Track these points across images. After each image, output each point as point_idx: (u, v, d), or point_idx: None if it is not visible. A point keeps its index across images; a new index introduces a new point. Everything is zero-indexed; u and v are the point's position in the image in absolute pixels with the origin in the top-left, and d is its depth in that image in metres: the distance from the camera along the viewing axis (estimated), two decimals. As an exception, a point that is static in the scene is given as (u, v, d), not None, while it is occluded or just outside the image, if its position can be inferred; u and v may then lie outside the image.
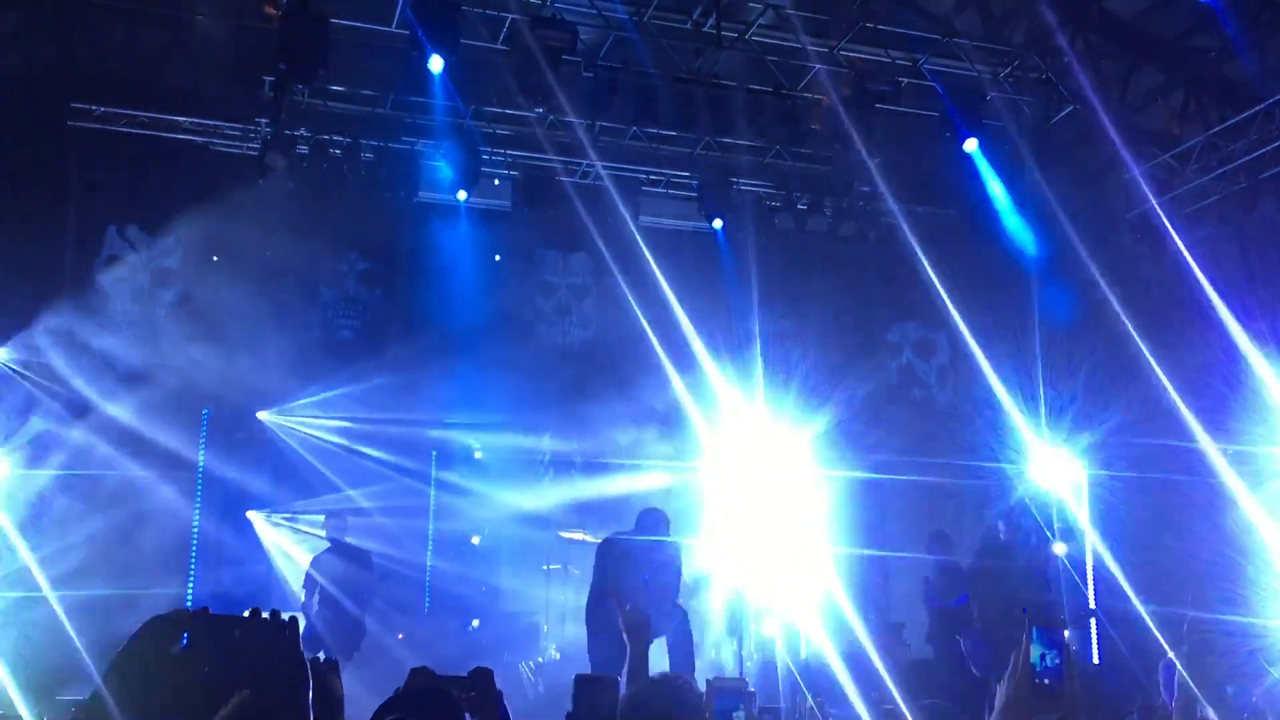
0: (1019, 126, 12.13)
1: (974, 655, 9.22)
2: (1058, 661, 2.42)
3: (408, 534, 12.35)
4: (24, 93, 11.25)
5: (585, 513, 12.56)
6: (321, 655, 2.63)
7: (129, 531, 11.36)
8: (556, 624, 11.92)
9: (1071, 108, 12.18)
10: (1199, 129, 11.85)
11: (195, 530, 11.88)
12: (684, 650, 8.87)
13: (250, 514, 12.09)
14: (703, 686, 3.62)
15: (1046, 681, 2.42)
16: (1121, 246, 13.02)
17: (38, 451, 11.26)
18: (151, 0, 10.49)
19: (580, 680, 3.03)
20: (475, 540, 12.70)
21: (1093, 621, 12.28)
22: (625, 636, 4.03)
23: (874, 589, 13.05)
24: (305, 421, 12.39)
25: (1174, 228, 12.29)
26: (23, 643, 10.48)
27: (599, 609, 9.09)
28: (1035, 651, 2.43)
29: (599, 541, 9.84)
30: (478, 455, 13.09)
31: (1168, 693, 5.89)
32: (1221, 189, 12.02)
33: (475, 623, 12.06)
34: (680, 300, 13.50)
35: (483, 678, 3.28)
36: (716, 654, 11.38)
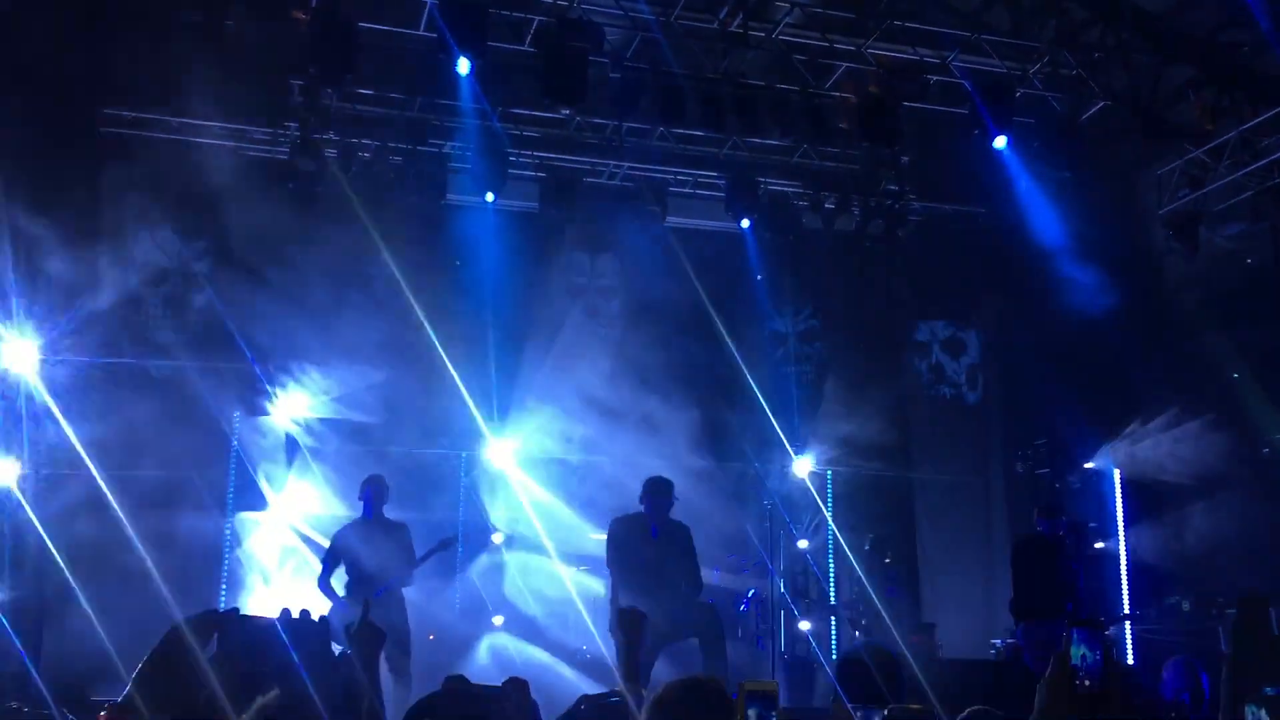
0: (1049, 123, 12.02)
1: (1031, 647, 9.12)
2: (1098, 663, 2.39)
3: (435, 534, 12.36)
4: (55, 98, 11.34)
5: (615, 513, 12.52)
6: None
7: (159, 531, 11.44)
8: (585, 625, 11.87)
9: (1102, 104, 12.07)
10: (1232, 124, 11.71)
11: (227, 535, 11.96)
12: (716, 650, 8.65)
13: (263, 514, 12.14)
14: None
15: (1087, 683, 2.39)
16: (1153, 243, 12.91)
17: (61, 456, 11.33)
18: (181, 5, 10.55)
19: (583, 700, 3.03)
20: (497, 539, 12.55)
21: (1127, 624, 12.18)
22: (619, 632, 3.97)
23: (904, 589, 12.98)
24: (334, 422, 12.40)
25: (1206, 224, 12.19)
26: (57, 642, 10.58)
27: (610, 608, 8.94)
28: (1075, 653, 2.39)
29: None
30: (502, 457, 13.04)
31: (1168, 690, 5.84)
32: (1255, 184, 11.89)
33: (499, 620, 12.04)
34: (708, 300, 13.50)
35: (517, 689, 3.27)
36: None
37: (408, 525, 9.94)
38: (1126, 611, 12.30)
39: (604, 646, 10.49)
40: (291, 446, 12.34)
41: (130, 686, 1.88)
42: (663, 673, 8.20)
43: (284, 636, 1.96)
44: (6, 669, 10.18)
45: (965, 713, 3.40)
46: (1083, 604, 9.44)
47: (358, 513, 10.09)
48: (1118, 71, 11.89)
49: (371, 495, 9.81)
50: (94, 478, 11.49)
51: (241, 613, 1.93)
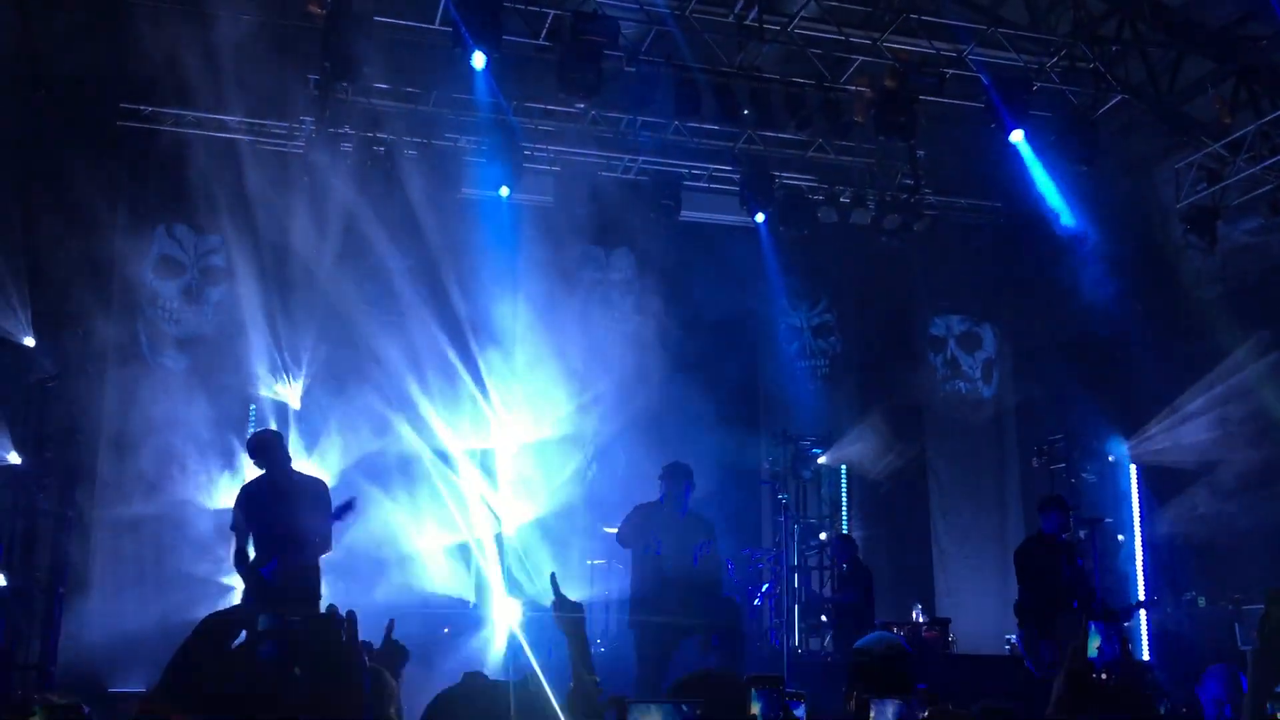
0: (1066, 117, 11.97)
1: (1032, 653, 9.03)
2: (1115, 655, 2.39)
3: (448, 525, 12.40)
4: (73, 94, 11.41)
5: (625, 506, 12.52)
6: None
7: (177, 526, 11.51)
8: (600, 617, 11.88)
9: (1119, 97, 12.02)
10: (1250, 118, 11.64)
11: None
12: (731, 647, 8.43)
13: None
14: None
15: (1104, 675, 2.39)
16: (1171, 238, 12.86)
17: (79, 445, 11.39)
18: (197, 0, 10.59)
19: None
20: (503, 531, 12.32)
21: (1142, 614, 12.11)
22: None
23: (921, 583, 12.98)
24: (349, 417, 12.42)
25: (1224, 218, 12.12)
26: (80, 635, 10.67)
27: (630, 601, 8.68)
28: (1092, 645, 2.39)
29: None
30: (514, 450, 13.03)
31: (1209, 697, 5.77)
32: (1274, 179, 11.82)
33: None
34: (722, 294, 13.50)
35: (533, 683, 3.28)
36: None
37: (323, 481, 8.47)
38: (1140, 601, 12.21)
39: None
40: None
41: (161, 679, 1.89)
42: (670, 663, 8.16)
43: (311, 630, 1.98)
44: (26, 660, 10.28)
45: (976, 707, 3.40)
46: (1092, 606, 9.23)
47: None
48: (1135, 65, 11.85)
49: (253, 449, 8.12)
50: (109, 464, 11.60)
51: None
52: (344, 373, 12.31)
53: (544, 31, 11.03)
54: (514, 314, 12.96)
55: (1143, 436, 12.85)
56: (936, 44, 11.59)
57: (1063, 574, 9.10)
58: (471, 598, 12.25)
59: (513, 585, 11.92)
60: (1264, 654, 2.72)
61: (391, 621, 3.62)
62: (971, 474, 14.53)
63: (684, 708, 2.84)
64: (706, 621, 8.32)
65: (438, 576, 12.15)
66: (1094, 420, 13.06)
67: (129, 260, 12.18)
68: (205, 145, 12.01)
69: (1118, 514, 12.98)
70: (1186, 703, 9.73)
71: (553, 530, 12.70)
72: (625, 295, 14.15)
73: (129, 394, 11.63)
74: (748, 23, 11.27)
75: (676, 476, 8.53)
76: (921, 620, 11.76)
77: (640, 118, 12.60)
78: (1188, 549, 12.31)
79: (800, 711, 2.92)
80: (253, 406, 12.25)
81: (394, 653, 3.49)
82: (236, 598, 11.23)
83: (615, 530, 8.96)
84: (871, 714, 2.88)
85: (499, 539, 12.38)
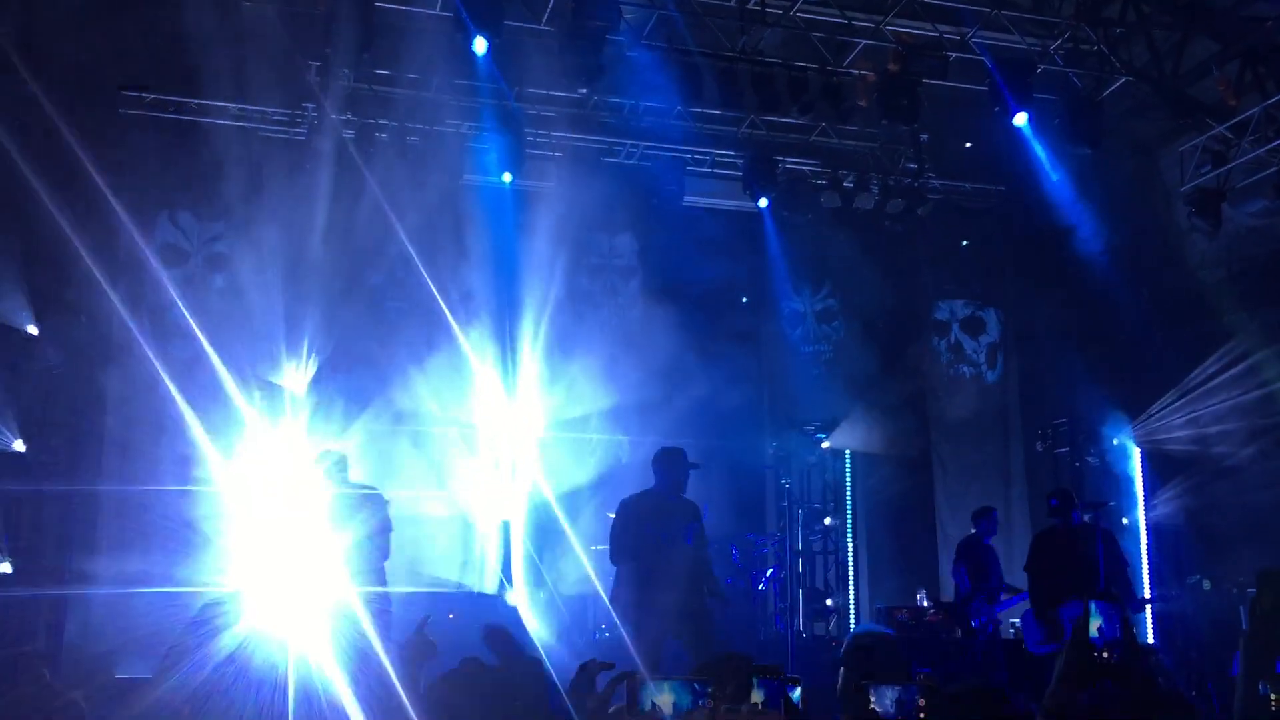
0: (1070, 100, 11.92)
1: (1028, 633, 9.08)
2: (1116, 635, 2.39)
3: (453, 511, 12.43)
4: (75, 80, 11.38)
5: (633, 490, 12.53)
6: None
7: (178, 515, 11.53)
8: (602, 603, 11.90)
9: (1124, 79, 11.96)
10: (1255, 100, 11.59)
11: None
12: (696, 634, 8.24)
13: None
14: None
15: (1105, 654, 2.39)
16: (1175, 220, 12.82)
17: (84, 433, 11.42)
18: (199, -14, 10.58)
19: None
20: (511, 599, 12.18)
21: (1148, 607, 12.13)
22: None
23: (925, 568, 12.98)
24: (354, 404, 12.44)
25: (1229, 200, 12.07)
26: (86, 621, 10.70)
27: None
28: (1093, 624, 2.40)
29: None
30: (516, 436, 13.03)
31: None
32: (1279, 161, 11.77)
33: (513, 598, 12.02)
34: (725, 280, 13.48)
35: (533, 667, 3.30)
36: None
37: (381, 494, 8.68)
38: (1146, 598, 12.20)
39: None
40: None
41: (160, 665, 1.90)
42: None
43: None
44: (31, 647, 10.32)
45: (967, 683, 3.42)
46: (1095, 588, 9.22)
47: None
48: (1139, 47, 11.79)
49: (336, 467, 8.55)
50: (113, 452, 11.63)
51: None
52: (349, 360, 12.33)
53: (545, 16, 11.01)
54: (516, 301, 12.95)
55: (1147, 420, 12.84)
56: (940, 27, 11.53)
57: (1067, 561, 9.11)
58: (475, 584, 12.27)
59: (507, 578, 11.96)
60: (1256, 636, 2.72)
61: (425, 618, 3.83)
62: (976, 458, 14.51)
63: (695, 685, 2.85)
64: (685, 625, 8.14)
65: (443, 562, 12.18)
66: (1098, 404, 13.05)
67: (132, 248, 12.16)
68: (207, 132, 12.01)
69: (1122, 497, 12.97)
70: (1195, 685, 9.77)
71: (555, 515, 12.72)
72: (628, 281, 14.14)
73: (133, 382, 11.64)
74: (750, 7, 11.22)
75: (668, 462, 8.47)
76: (926, 604, 11.77)
77: (643, 103, 12.58)
78: (1192, 532, 12.30)
79: (795, 695, 2.93)
80: (258, 394, 12.25)
81: (422, 646, 3.62)
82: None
83: (614, 514, 8.91)
84: (871, 699, 2.89)
85: (503, 528, 12.41)
